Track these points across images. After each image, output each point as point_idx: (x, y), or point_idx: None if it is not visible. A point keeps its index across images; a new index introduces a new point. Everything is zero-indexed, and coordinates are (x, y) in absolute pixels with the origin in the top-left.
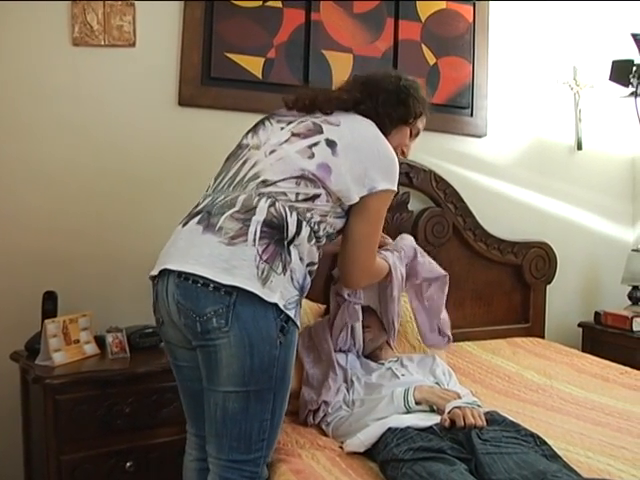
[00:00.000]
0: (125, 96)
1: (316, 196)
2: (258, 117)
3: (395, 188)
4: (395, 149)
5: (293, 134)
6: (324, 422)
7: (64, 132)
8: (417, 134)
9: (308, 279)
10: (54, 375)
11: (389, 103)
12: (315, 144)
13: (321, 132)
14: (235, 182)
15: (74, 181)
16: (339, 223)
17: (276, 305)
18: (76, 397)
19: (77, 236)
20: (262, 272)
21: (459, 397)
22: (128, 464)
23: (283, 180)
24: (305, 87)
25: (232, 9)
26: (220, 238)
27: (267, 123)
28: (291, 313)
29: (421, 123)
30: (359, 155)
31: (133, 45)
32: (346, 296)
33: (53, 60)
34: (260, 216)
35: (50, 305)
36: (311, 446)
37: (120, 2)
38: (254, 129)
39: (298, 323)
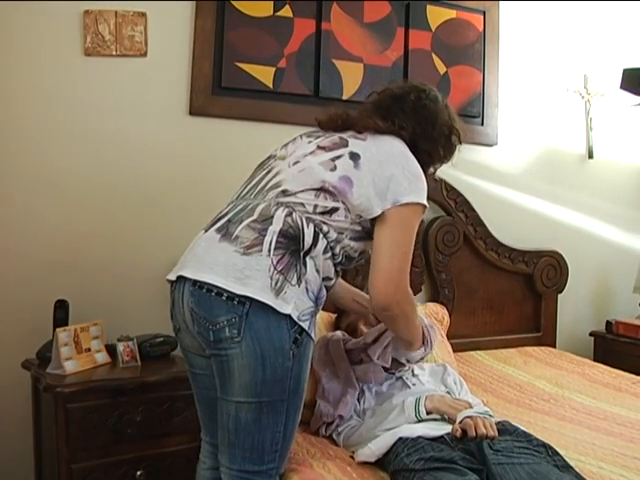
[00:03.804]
0: (136, 105)
1: (334, 210)
2: (269, 127)
3: (423, 202)
4: None
5: (319, 147)
6: (335, 432)
7: (75, 141)
8: None
9: (324, 291)
10: (65, 384)
11: (444, 147)
12: (338, 157)
13: (346, 146)
14: (257, 190)
15: (85, 191)
16: (358, 246)
17: (290, 316)
18: (87, 406)
19: (89, 245)
20: (276, 283)
21: (470, 406)
22: (139, 473)
23: (303, 191)
24: (340, 108)
25: (243, 19)
26: (236, 247)
27: (298, 138)
28: (305, 325)
29: None
30: (383, 169)
31: (144, 55)
32: (375, 359)
33: (65, 70)
34: (277, 226)
35: (61, 314)
36: (322, 456)
37: (132, 12)
38: (286, 142)
39: (313, 335)
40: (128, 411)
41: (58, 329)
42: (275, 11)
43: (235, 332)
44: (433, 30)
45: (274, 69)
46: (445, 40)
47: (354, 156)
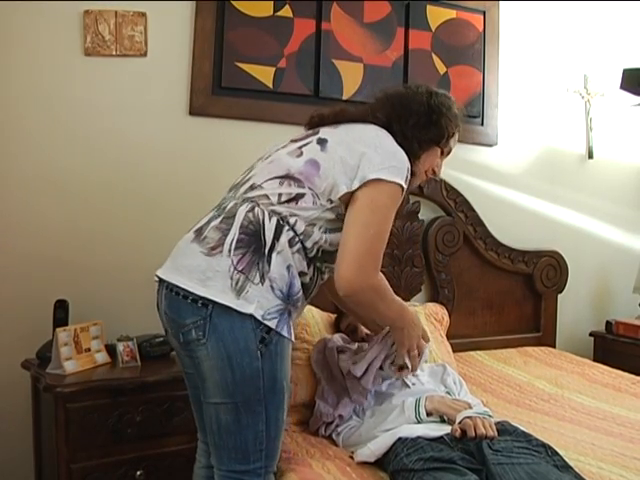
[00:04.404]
0: (136, 105)
1: (300, 196)
2: (269, 127)
3: (397, 180)
4: (426, 171)
5: (291, 141)
6: (334, 432)
7: (75, 141)
8: (449, 152)
9: (296, 287)
10: (65, 383)
11: (419, 126)
12: (306, 144)
13: (316, 134)
14: (233, 190)
15: (85, 190)
16: (334, 238)
17: (254, 316)
18: (87, 405)
19: (89, 245)
20: (236, 283)
21: (470, 407)
22: (138, 473)
23: (267, 180)
24: (329, 107)
25: (243, 19)
26: (202, 248)
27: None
28: (272, 323)
29: (453, 141)
30: (352, 149)
31: (144, 55)
32: (370, 388)
33: (65, 70)
34: (237, 223)
35: (61, 314)
36: (321, 456)
37: (132, 12)
38: None
39: (285, 333)
40: (128, 411)
41: (58, 329)
42: (275, 11)
43: (201, 334)
44: (433, 30)
45: (274, 69)
46: (445, 40)
47: (321, 141)
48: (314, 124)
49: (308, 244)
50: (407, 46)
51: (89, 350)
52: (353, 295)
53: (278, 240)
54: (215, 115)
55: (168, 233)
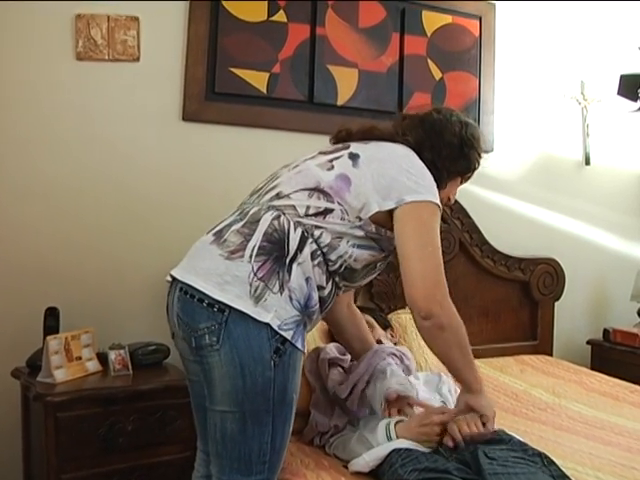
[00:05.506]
0: (129, 111)
1: (328, 211)
2: (263, 132)
3: (433, 200)
4: (442, 199)
5: (320, 152)
6: (327, 442)
7: (67, 147)
8: (467, 180)
9: (314, 300)
10: (55, 392)
11: (450, 158)
12: (337, 158)
13: (347, 148)
14: (256, 195)
15: (76, 197)
16: (360, 255)
17: (270, 325)
18: (78, 415)
19: (79, 252)
20: (255, 290)
21: (442, 412)
22: None
23: (296, 192)
24: (356, 122)
25: (237, 24)
26: (221, 251)
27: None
28: (288, 334)
29: (473, 172)
30: (383, 167)
31: (137, 60)
32: (355, 410)
33: (57, 75)
34: (262, 229)
35: (52, 321)
36: (316, 466)
37: (124, 17)
38: None
39: (299, 345)
40: (119, 420)
41: (49, 337)
42: (269, 16)
43: (214, 339)
44: (429, 35)
45: (268, 74)
46: (441, 45)
47: (353, 156)
48: (341, 139)
49: (332, 257)
50: (402, 51)
51: (80, 358)
52: (432, 315)
53: (301, 251)
54: (209, 121)
55: (160, 240)
